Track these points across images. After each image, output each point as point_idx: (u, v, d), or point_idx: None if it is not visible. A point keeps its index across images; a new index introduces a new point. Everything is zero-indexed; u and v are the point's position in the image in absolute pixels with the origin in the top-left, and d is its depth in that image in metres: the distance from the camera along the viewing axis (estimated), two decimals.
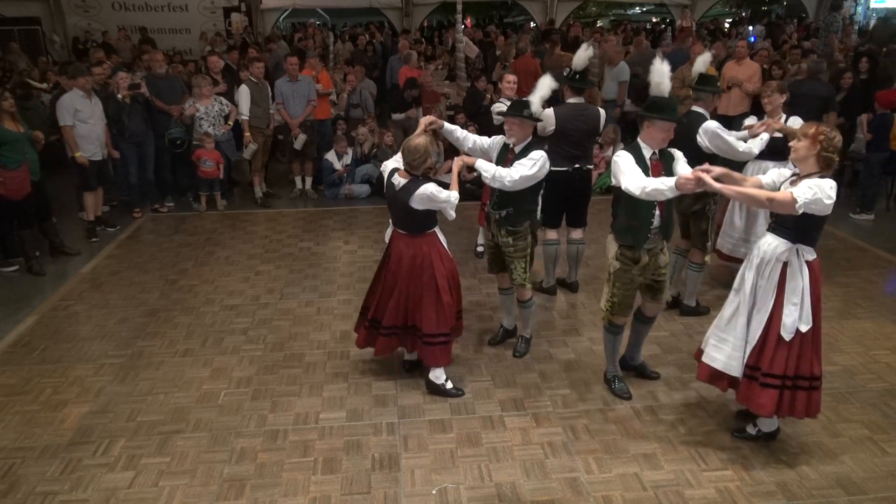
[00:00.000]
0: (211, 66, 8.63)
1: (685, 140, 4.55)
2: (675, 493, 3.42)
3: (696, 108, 4.97)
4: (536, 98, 4.22)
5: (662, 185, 3.55)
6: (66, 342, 5.00)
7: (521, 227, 4.38)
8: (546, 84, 4.26)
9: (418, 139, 4.00)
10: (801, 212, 3.31)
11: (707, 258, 5.17)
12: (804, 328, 3.45)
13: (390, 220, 4.25)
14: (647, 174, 3.73)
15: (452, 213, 4.02)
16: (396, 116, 9.28)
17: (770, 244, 3.53)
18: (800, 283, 3.45)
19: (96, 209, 7.25)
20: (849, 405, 4.12)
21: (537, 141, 4.32)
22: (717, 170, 3.51)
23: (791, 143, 3.54)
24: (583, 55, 5.11)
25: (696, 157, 4.31)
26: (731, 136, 4.76)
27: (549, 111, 5.07)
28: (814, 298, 3.48)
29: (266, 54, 10.34)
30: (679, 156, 3.89)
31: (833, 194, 3.32)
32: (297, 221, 7.74)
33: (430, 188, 3.93)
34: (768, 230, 3.61)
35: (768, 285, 3.52)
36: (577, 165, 5.33)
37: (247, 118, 7.87)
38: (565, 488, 3.45)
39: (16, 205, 6.08)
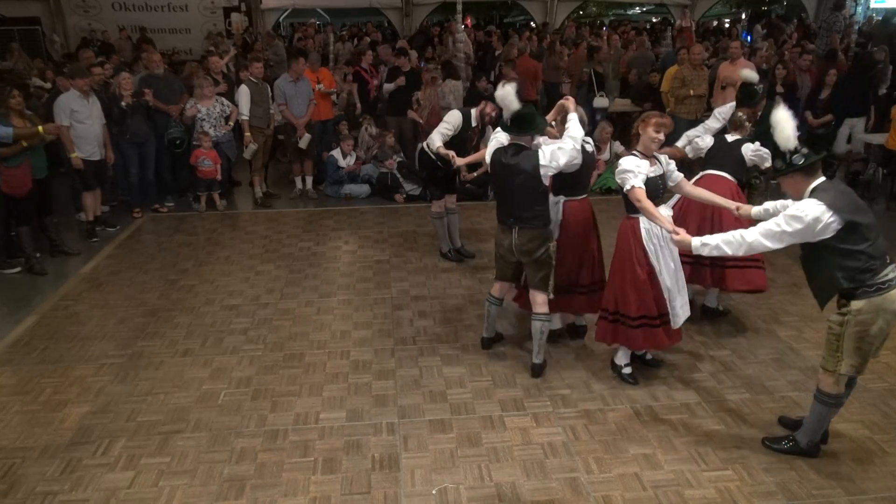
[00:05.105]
0: (212, 67, 8.62)
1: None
2: (675, 493, 3.42)
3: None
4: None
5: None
6: (66, 342, 5.00)
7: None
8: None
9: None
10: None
11: None
12: None
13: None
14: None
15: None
16: (389, 119, 9.30)
17: None
18: None
19: (95, 209, 7.25)
20: (849, 405, 4.09)
21: None
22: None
23: None
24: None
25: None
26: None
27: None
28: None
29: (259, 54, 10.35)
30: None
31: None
32: (297, 221, 7.74)
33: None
34: None
35: None
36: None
37: (247, 118, 7.86)
38: (565, 488, 3.46)
39: (17, 202, 6.09)
